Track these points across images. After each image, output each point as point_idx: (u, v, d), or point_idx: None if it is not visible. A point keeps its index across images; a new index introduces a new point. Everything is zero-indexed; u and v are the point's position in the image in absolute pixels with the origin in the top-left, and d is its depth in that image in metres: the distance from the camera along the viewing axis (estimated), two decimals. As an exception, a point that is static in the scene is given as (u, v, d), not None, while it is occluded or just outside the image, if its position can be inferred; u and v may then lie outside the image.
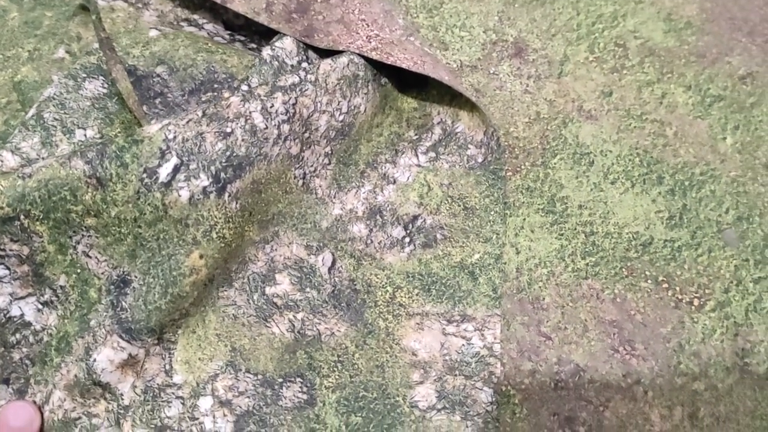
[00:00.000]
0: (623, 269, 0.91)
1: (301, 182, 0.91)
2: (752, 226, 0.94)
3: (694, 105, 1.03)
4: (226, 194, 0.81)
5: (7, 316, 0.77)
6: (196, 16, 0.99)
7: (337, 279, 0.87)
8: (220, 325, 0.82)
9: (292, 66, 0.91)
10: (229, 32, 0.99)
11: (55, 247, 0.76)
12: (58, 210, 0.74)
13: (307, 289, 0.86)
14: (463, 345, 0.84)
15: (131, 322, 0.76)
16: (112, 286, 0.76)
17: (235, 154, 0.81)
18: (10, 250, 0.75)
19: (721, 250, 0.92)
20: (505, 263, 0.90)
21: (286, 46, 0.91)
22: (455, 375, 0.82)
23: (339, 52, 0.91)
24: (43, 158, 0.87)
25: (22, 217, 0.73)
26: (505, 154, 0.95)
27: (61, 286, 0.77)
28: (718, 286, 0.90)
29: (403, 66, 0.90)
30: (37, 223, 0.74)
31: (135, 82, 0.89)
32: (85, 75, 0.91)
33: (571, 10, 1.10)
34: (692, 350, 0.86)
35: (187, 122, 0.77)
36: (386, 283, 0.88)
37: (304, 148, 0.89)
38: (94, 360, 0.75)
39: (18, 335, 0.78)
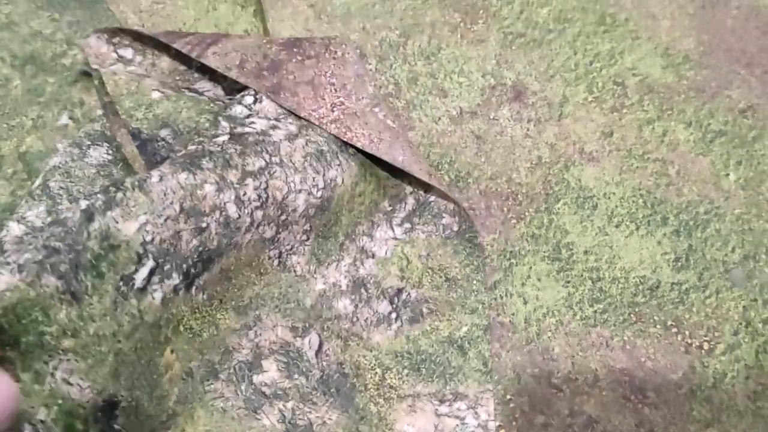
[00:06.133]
0: (632, 315, 0.91)
1: (276, 262, 0.90)
2: (759, 264, 0.94)
3: (696, 142, 1.03)
4: (194, 288, 0.81)
5: None
6: (196, 86, 1.00)
7: (325, 363, 0.86)
8: (209, 421, 0.80)
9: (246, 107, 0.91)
10: (229, 97, 0.99)
11: (31, 375, 0.68)
12: (29, 333, 0.66)
13: (296, 376, 0.84)
14: (457, 426, 0.83)
15: None
16: (99, 413, 0.71)
17: (207, 249, 0.81)
18: None
19: (728, 290, 0.93)
20: (513, 314, 0.91)
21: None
22: None
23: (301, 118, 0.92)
24: (47, 225, 0.88)
25: None
26: (474, 224, 0.94)
27: (42, 421, 0.69)
28: (727, 329, 0.90)
29: (357, 145, 0.90)
30: (7, 348, 0.67)
31: (140, 146, 0.90)
32: (89, 142, 0.92)
33: (569, 49, 1.11)
34: (704, 396, 0.86)
35: (165, 220, 0.75)
36: (375, 365, 0.87)
37: (280, 230, 0.88)
38: None
39: None
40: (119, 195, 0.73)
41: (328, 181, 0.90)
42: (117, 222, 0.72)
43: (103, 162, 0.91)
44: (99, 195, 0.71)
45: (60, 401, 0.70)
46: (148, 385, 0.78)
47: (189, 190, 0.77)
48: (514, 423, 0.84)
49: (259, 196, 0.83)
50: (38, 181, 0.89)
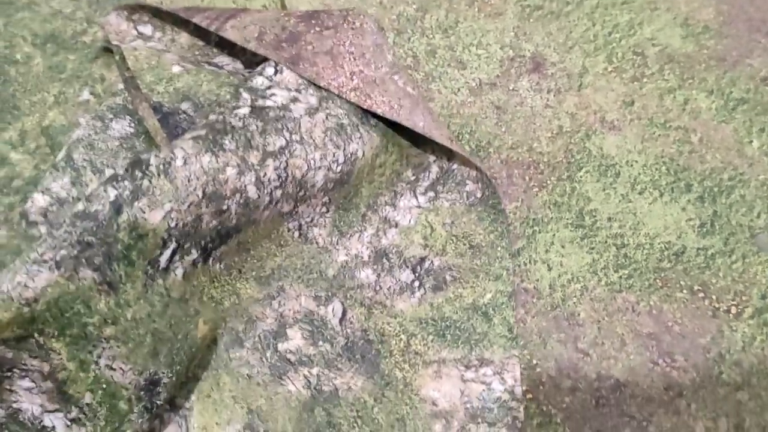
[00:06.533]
0: (657, 280, 0.90)
1: (297, 234, 0.90)
2: (785, 230, 0.93)
3: (718, 110, 1.02)
4: (211, 259, 0.82)
5: (41, 425, 0.74)
6: (215, 60, 1.00)
7: (349, 330, 0.86)
8: (235, 387, 0.81)
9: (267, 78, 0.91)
10: (248, 70, 0.99)
11: (76, 364, 0.71)
12: (73, 326, 0.70)
13: (320, 343, 0.85)
14: (483, 391, 0.83)
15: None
16: (142, 392, 0.73)
17: (225, 227, 0.82)
18: (31, 365, 0.72)
19: (755, 255, 0.91)
20: (537, 280, 0.90)
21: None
22: (478, 423, 0.81)
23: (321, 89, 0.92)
24: (73, 198, 0.88)
25: (36, 335, 0.69)
26: (497, 189, 0.94)
27: (88, 404, 0.73)
28: (755, 293, 0.89)
29: (378, 112, 0.90)
30: (53, 340, 0.70)
31: (161, 120, 0.90)
32: (111, 116, 0.92)
33: (587, 21, 1.10)
34: (733, 359, 0.85)
35: (189, 206, 0.76)
36: (400, 332, 0.87)
37: (298, 204, 0.89)
38: None
39: None
40: (146, 183, 0.73)
41: (349, 155, 0.89)
42: (144, 212, 0.73)
43: (125, 134, 0.91)
44: (126, 183, 0.72)
45: (104, 386, 0.72)
46: (187, 358, 0.78)
47: (212, 174, 0.78)
48: (540, 387, 0.84)
49: (279, 176, 0.83)
50: (62, 154, 0.90)
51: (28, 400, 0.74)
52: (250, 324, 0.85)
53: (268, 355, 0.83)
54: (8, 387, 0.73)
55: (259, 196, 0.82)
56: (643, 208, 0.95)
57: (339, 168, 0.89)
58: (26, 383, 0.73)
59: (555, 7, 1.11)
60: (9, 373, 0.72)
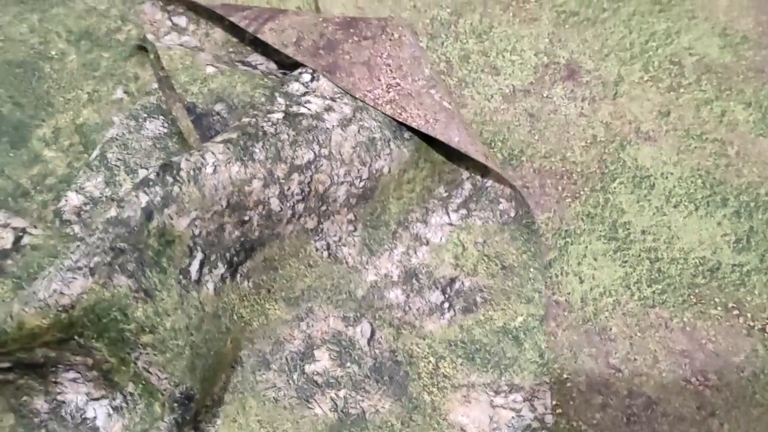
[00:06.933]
0: (691, 296, 0.89)
1: (326, 254, 0.89)
2: (823, 248, 0.92)
3: (755, 122, 1.01)
4: (238, 275, 0.82)
5: (83, 416, 0.76)
6: (249, 59, 1.00)
7: (377, 351, 0.85)
8: (261, 411, 0.81)
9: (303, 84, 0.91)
10: (282, 71, 0.99)
11: (117, 360, 0.72)
12: (110, 330, 0.70)
13: (348, 364, 0.84)
14: (513, 418, 0.81)
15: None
16: (175, 404, 0.73)
17: (248, 239, 0.81)
18: (75, 360, 0.74)
19: (792, 273, 0.90)
20: (569, 293, 0.89)
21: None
22: None
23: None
24: (106, 197, 0.88)
25: (76, 337, 0.70)
26: (530, 208, 0.92)
27: (130, 393, 0.74)
28: (790, 312, 0.88)
29: (413, 125, 0.88)
30: (93, 341, 0.71)
31: (195, 121, 0.90)
32: (145, 115, 0.92)
33: (623, 28, 1.09)
34: (767, 380, 0.84)
35: (212, 215, 0.76)
36: (428, 353, 0.86)
37: (322, 220, 0.88)
38: None
39: None
40: (176, 189, 0.73)
41: (374, 172, 0.89)
42: (172, 219, 0.73)
43: (159, 134, 0.92)
44: (158, 188, 0.72)
45: (144, 382, 0.73)
46: (215, 377, 0.78)
47: (238, 185, 0.77)
48: (571, 403, 0.83)
49: (302, 190, 0.83)
50: (96, 153, 0.90)
51: (73, 390, 0.76)
52: (277, 346, 0.84)
53: (295, 377, 0.83)
54: (53, 380, 0.75)
55: (281, 209, 0.82)
56: (677, 222, 0.94)
57: (362, 184, 0.88)
58: (71, 374, 0.75)
59: (591, 13, 1.09)
60: (54, 368, 0.73)
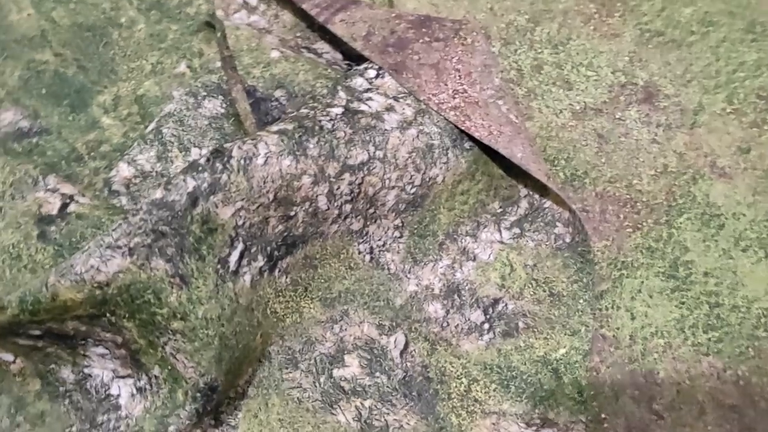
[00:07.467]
0: (750, 348, 0.83)
1: (368, 257, 0.87)
2: None
3: (843, 170, 0.94)
4: (277, 270, 0.80)
5: (107, 392, 0.76)
6: (315, 46, 0.98)
7: (409, 364, 0.82)
8: (283, 410, 0.79)
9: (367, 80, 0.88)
10: (347, 62, 0.97)
11: (146, 342, 0.72)
12: (142, 312, 0.70)
13: (377, 374, 0.81)
14: None
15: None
16: (198, 394, 0.71)
17: (291, 234, 0.79)
18: (105, 337, 0.74)
19: None
20: (618, 328, 0.85)
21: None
22: None
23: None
24: (156, 172, 0.88)
25: (108, 314, 0.70)
26: (588, 236, 0.87)
27: (156, 376, 0.74)
28: None
29: (476, 135, 0.85)
30: (124, 320, 0.71)
31: (253, 104, 0.89)
32: (205, 93, 0.91)
33: (710, 55, 1.02)
34: (823, 450, 0.78)
35: (258, 207, 0.75)
36: (461, 374, 0.82)
37: (368, 223, 0.85)
38: None
39: (105, 416, 0.75)
40: (224, 177, 0.72)
41: (427, 179, 0.86)
42: (216, 207, 0.72)
43: (216, 114, 0.90)
44: (206, 175, 0.71)
45: (169, 367, 0.72)
46: (241, 370, 0.77)
47: (287, 179, 0.76)
48: (606, 445, 0.79)
49: (351, 191, 0.81)
50: (152, 126, 0.89)
51: (100, 366, 0.76)
52: (307, 345, 0.82)
53: (321, 380, 0.81)
54: (82, 352, 0.75)
55: (328, 208, 0.80)
56: (744, 268, 0.88)
57: (413, 190, 0.85)
58: (100, 350, 0.75)
59: (678, 35, 1.03)
60: (83, 342, 0.74)
